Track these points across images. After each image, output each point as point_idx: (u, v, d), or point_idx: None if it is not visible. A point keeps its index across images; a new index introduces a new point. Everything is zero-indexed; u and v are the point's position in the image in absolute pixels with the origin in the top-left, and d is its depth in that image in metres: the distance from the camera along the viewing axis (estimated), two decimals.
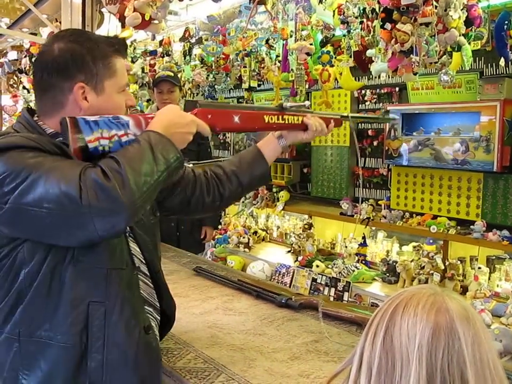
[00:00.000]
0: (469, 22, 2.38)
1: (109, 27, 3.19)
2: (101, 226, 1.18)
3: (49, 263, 1.30)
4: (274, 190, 5.34)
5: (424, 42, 2.37)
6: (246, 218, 5.77)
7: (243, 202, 5.49)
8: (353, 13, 2.80)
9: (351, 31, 2.91)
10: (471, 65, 2.69)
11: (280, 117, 1.73)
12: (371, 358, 0.89)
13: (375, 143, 4.65)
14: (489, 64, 3.73)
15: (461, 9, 2.31)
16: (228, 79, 4.38)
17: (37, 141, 1.28)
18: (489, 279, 3.67)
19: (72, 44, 1.38)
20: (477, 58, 3.64)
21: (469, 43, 2.47)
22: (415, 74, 2.52)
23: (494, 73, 3.70)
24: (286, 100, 4.20)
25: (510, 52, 2.88)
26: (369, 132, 4.68)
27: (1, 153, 1.23)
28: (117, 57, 1.43)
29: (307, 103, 1.84)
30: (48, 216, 1.18)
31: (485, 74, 3.75)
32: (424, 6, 2.27)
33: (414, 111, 4.11)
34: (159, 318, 1.61)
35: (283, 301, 2.14)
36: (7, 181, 1.20)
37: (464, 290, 3.63)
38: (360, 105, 4.75)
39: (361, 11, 2.73)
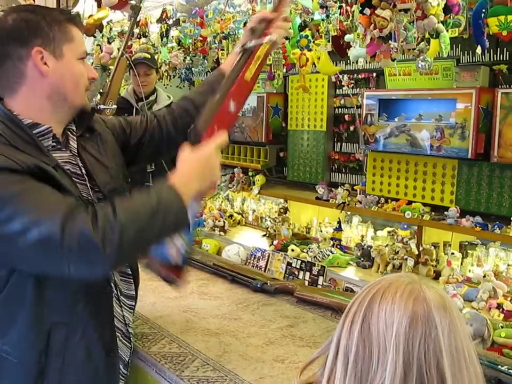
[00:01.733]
0: (447, 9, 2.38)
1: (84, 7, 3.12)
2: (76, 270, 1.15)
3: (15, 280, 1.28)
4: (250, 173, 5.33)
5: (403, 28, 2.36)
6: (222, 201, 5.76)
7: (219, 185, 5.46)
8: None
9: (330, 15, 2.89)
10: (449, 52, 2.69)
11: (253, 59, 1.53)
12: (348, 346, 0.89)
13: (351, 128, 4.66)
14: (465, 52, 3.75)
15: None
16: (205, 61, 4.34)
17: (16, 160, 1.22)
18: (461, 264, 3.72)
19: (25, 12, 1.36)
20: (454, 45, 3.64)
21: (447, 30, 2.47)
22: (393, 60, 2.52)
23: (471, 61, 3.72)
24: (263, 83, 4.17)
25: (487, 40, 2.89)
26: (346, 117, 4.69)
27: None
28: (72, 26, 1.40)
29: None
30: (23, 251, 1.15)
31: (461, 62, 3.77)
32: None
33: (391, 96, 4.12)
34: (134, 304, 1.59)
35: (258, 286, 2.15)
36: None
37: (437, 275, 3.68)
38: (337, 90, 4.74)
39: None
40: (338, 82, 4.67)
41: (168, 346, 1.63)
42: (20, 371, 1.30)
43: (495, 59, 3.63)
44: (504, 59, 3.58)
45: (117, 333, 1.47)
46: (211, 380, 1.43)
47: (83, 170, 1.42)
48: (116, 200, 1.20)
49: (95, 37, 4.21)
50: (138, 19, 4.04)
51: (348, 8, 2.79)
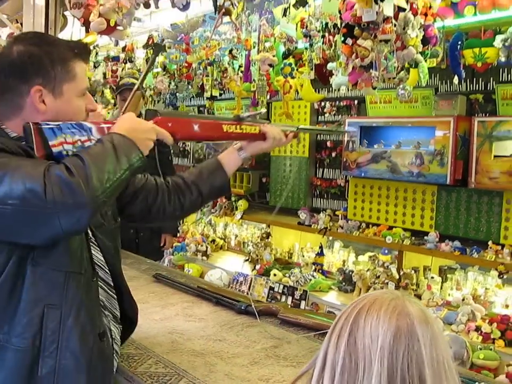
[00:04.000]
0: (425, 41, 2.47)
1: (72, 31, 3.17)
2: (66, 221, 1.20)
3: (13, 264, 1.30)
4: (233, 198, 5.37)
5: (383, 58, 2.45)
6: (204, 226, 5.78)
7: (201, 210, 5.50)
8: (316, 27, 2.87)
9: (313, 44, 2.97)
10: (427, 81, 2.79)
11: (238, 126, 1.77)
12: (335, 359, 0.93)
13: (333, 154, 4.74)
14: (443, 81, 3.87)
15: (418, 29, 2.40)
16: (189, 87, 4.40)
17: (2, 142, 1.29)
18: (441, 288, 3.78)
19: (31, 46, 1.38)
20: (433, 75, 3.76)
21: (425, 60, 2.56)
22: (374, 88, 2.60)
23: (448, 90, 3.84)
24: (247, 109, 4.25)
25: (463, 70, 3.00)
26: (328, 143, 4.77)
27: None
28: (77, 61, 1.43)
29: (263, 110, 1.88)
30: (13, 213, 1.19)
31: (439, 91, 3.88)
32: (384, 24, 2.34)
33: (372, 124, 4.21)
34: (118, 326, 1.61)
35: (242, 308, 2.17)
36: None
37: (417, 299, 3.72)
38: (319, 117, 4.83)
39: (324, 25, 2.80)
40: (320, 109, 4.77)
41: (155, 367, 1.65)
42: (16, 358, 1.30)
43: (471, 89, 3.75)
44: (480, 89, 3.71)
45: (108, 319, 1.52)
46: None
47: None
48: (75, 152, 1.32)
49: None
50: (124, 44, 4.12)
51: (331, 37, 2.87)
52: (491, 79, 3.60)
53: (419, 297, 3.73)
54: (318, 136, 4.87)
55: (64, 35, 3.24)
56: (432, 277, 3.78)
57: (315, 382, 0.97)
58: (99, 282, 1.50)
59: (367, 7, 2.14)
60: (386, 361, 0.88)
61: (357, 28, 2.44)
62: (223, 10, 2.49)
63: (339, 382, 0.91)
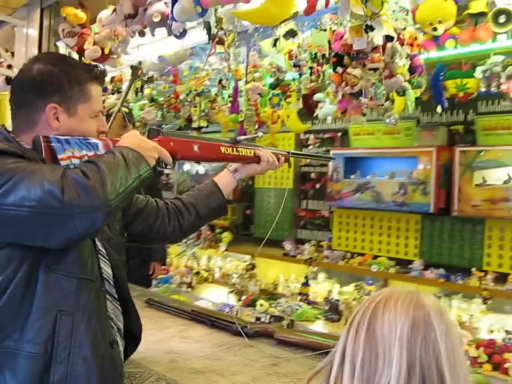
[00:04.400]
0: (412, 70, 2.57)
1: None
2: (81, 224, 1.23)
3: (25, 271, 1.32)
4: (217, 230, 5.38)
5: (371, 86, 2.53)
6: (188, 259, 5.76)
7: (185, 242, 5.50)
8: (305, 57, 2.96)
9: (302, 74, 3.06)
10: (409, 113, 2.88)
11: (235, 149, 1.82)
12: (354, 352, 0.96)
13: (317, 185, 4.81)
14: (425, 113, 3.98)
15: (405, 58, 2.50)
16: (175, 119, 4.45)
17: (19, 148, 1.34)
18: None
19: (51, 66, 1.45)
20: (415, 106, 3.87)
21: (412, 89, 2.66)
22: (364, 115, 2.68)
23: (430, 121, 3.95)
24: None
25: (445, 100, 3.11)
26: (312, 175, 4.84)
27: None
28: (93, 84, 1.50)
29: (260, 134, 1.94)
30: (30, 215, 1.22)
31: (421, 122, 4.00)
32: (372, 53, 2.44)
33: (356, 155, 4.30)
34: (122, 340, 1.62)
35: (238, 329, 2.19)
36: None
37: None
38: (303, 149, 4.91)
39: (313, 56, 2.90)
40: (304, 141, 4.86)
41: None
42: (28, 364, 1.30)
43: (451, 120, 3.86)
44: (460, 120, 3.83)
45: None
46: None
47: None
48: (92, 158, 1.36)
49: None
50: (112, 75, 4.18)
51: (319, 68, 2.96)
52: (470, 111, 3.73)
53: None
54: (303, 168, 4.95)
55: None
56: None
57: (334, 377, 1.00)
58: (106, 296, 1.52)
59: (358, 36, 2.23)
60: (405, 351, 0.92)
61: (346, 57, 2.53)
62: (217, 39, 2.56)
63: (360, 373, 0.94)
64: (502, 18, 2.71)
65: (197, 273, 5.33)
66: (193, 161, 1.93)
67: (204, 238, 5.38)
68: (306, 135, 4.81)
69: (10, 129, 1.49)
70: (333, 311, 4.13)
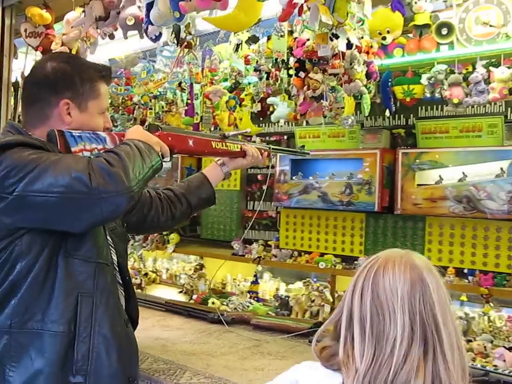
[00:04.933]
0: (368, 76, 2.79)
1: (26, 61, 3.22)
2: (107, 207, 1.33)
3: (46, 256, 1.39)
4: (164, 232, 5.44)
5: (331, 90, 2.73)
6: (135, 261, 5.78)
7: (132, 244, 5.52)
8: (264, 62, 3.12)
9: (262, 79, 3.22)
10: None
11: (224, 143, 1.96)
12: (362, 314, 1.13)
13: (264, 187, 4.97)
14: (368, 117, 4.23)
15: (362, 64, 2.71)
16: (126, 121, 4.50)
17: (38, 140, 1.42)
18: None
19: (64, 64, 1.54)
20: (358, 111, 4.11)
21: (369, 93, 2.87)
22: (324, 117, 2.86)
23: (373, 125, 4.21)
24: None
25: (393, 104, 3.36)
26: (259, 177, 5.01)
27: (5, 150, 1.34)
28: (102, 83, 1.61)
29: (248, 129, 2.08)
30: (58, 201, 1.30)
31: (365, 126, 4.24)
32: (333, 59, 2.63)
33: (304, 157, 4.48)
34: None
35: (216, 317, 2.30)
36: (13, 173, 1.31)
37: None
38: None
39: (274, 61, 3.06)
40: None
41: (155, 364, 1.75)
42: (53, 342, 1.38)
43: (393, 124, 4.13)
44: (402, 124, 4.09)
45: None
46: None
47: None
48: (112, 148, 1.46)
49: None
50: None
51: (277, 72, 3.12)
52: (411, 115, 4.00)
53: None
54: (249, 169, 5.10)
55: (17, 63, 3.29)
56: None
57: (344, 337, 1.15)
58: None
59: (324, 44, 2.41)
60: (407, 307, 1.10)
61: (308, 62, 2.71)
62: (185, 43, 2.68)
63: (370, 332, 1.10)
64: (444, 30, 2.97)
65: (145, 274, 5.38)
66: (188, 155, 2.04)
67: (151, 239, 5.42)
68: (253, 138, 4.95)
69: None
70: (283, 307, 4.29)
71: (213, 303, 4.53)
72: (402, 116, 4.05)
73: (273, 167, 4.72)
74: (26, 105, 1.54)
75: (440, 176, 3.70)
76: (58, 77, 1.51)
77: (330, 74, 2.67)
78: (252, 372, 1.71)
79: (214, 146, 1.93)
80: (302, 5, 2.02)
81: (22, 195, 1.30)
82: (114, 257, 1.64)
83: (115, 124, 4.36)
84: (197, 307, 2.43)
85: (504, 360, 2.71)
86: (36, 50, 2.97)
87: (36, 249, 1.39)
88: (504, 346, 2.96)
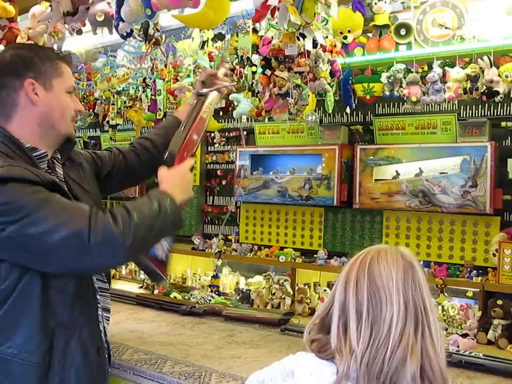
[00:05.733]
0: (332, 74, 2.88)
1: None
2: (97, 262, 1.34)
3: (23, 284, 1.39)
4: None
5: (296, 87, 2.80)
6: None
7: None
8: (229, 59, 3.17)
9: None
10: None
11: (206, 105, 1.92)
12: (358, 301, 1.21)
13: (223, 182, 5.03)
14: (327, 114, 4.33)
15: (327, 63, 2.80)
16: (85, 118, 4.47)
17: (36, 173, 1.39)
18: None
19: (22, 49, 1.58)
20: (317, 108, 4.21)
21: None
22: (290, 113, 2.94)
23: (332, 121, 4.32)
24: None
25: (354, 102, 3.46)
26: (218, 172, 5.06)
27: (2, 184, 1.33)
28: (62, 62, 1.62)
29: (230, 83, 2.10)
30: (51, 248, 1.30)
31: (323, 122, 4.34)
32: (298, 58, 2.71)
33: (263, 152, 4.57)
34: (107, 316, 1.73)
35: (187, 309, 2.35)
36: (9, 212, 1.30)
37: (312, 311, 4.07)
38: (209, 147, 5.11)
39: (239, 58, 3.11)
40: (210, 139, 5.06)
41: (136, 355, 1.79)
42: (27, 372, 1.38)
43: (351, 120, 4.25)
44: (359, 121, 4.22)
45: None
46: (190, 372, 1.63)
47: (69, 194, 1.58)
48: (126, 203, 1.42)
49: None
50: None
51: (241, 69, 3.18)
52: (369, 112, 4.12)
53: (313, 309, 4.08)
54: (208, 165, 5.14)
55: None
56: (325, 290, 4.16)
57: (336, 326, 1.23)
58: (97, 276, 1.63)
59: (291, 43, 2.48)
60: (401, 292, 1.18)
61: (273, 60, 2.78)
62: (154, 40, 2.70)
63: (366, 315, 1.18)
64: (402, 31, 3.09)
65: None
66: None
67: None
68: (212, 134, 5.00)
69: None
70: (245, 300, 4.36)
71: (175, 297, 4.58)
72: (360, 112, 4.17)
73: (232, 162, 4.79)
74: None
75: (396, 171, 3.84)
76: (17, 61, 1.53)
77: (296, 73, 2.74)
78: (230, 359, 1.77)
79: (204, 117, 1.86)
80: (275, 6, 2.08)
81: (13, 236, 1.30)
82: None
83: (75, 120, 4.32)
84: (169, 300, 2.47)
85: (458, 346, 2.85)
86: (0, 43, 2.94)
87: (14, 276, 1.38)
88: (457, 333, 3.11)
